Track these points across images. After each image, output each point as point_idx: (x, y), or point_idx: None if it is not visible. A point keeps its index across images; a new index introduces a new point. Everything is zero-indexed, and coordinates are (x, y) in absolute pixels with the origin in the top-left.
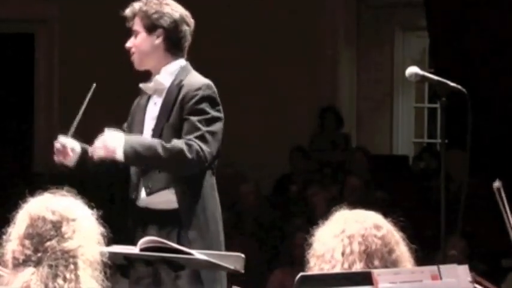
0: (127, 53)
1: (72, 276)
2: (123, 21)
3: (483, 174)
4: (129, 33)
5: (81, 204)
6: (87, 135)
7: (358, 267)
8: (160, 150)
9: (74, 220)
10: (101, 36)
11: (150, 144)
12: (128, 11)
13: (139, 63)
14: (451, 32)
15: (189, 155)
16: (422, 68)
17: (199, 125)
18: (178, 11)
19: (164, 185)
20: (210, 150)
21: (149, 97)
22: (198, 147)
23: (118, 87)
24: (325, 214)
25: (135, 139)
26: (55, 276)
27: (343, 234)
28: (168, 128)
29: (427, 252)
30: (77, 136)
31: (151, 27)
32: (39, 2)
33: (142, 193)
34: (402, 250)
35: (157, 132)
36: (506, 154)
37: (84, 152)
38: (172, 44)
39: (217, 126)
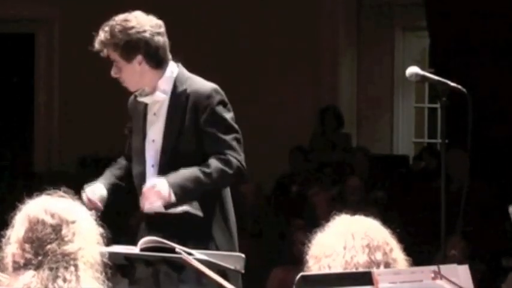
0: None
1: (73, 277)
2: None
3: (483, 175)
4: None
5: (79, 206)
6: (88, 134)
7: (359, 259)
8: (203, 178)
9: (73, 222)
10: None
11: (192, 176)
12: (96, 45)
13: (133, 88)
14: (451, 32)
15: (230, 171)
16: (422, 68)
17: (224, 136)
18: (144, 26)
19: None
20: (242, 157)
21: (146, 105)
22: (234, 160)
23: (118, 87)
24: (325, 214)
25: (178, 179)
26: (55, 278)
27: (345, 231)
28: (183, 141)
29: (427, 252)
30: (78, 136)
31: (127, 57)
32: (39, 2)
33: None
34: (400, 254)
35: (170, 144)
36: (506, 154)
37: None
38: (155, 60)
39: (237, 129)
